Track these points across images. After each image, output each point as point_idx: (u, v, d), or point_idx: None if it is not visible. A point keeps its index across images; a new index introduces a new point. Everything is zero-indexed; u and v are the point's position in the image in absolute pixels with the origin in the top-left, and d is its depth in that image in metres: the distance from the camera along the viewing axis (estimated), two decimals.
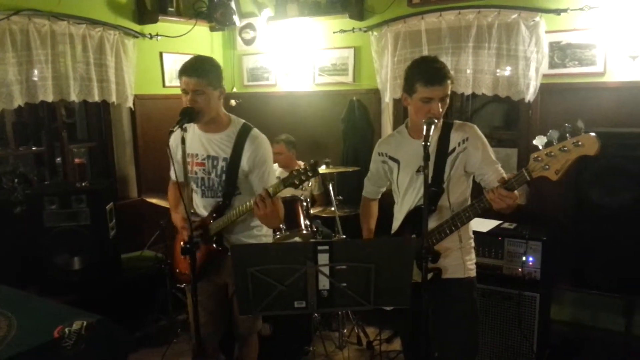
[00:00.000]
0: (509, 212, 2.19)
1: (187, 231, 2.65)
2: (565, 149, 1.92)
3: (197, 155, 2.59)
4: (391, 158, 2.51)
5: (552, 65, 3.73)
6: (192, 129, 2.60)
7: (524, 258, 3.26)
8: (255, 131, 2.60)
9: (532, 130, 3.89)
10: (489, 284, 3.29)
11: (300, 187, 2.40)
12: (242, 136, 2.55)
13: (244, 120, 2.64)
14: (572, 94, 3.70)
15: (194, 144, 2.58)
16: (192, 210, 2.87)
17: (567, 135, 1.92)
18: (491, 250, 3.35)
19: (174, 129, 2.31)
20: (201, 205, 2.68)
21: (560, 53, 3.69)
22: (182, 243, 2.64)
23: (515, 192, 2.09)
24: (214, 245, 2.59)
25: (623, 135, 3.17)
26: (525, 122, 3.99)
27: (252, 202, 2.39)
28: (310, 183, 4.37)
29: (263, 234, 2.72)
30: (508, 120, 4.62)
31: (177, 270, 2.83)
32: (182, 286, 2.86)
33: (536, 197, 3.77)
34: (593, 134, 1.89)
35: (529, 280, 3.25)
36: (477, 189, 2.41)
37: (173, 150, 2.68)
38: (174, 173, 2.76)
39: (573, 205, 3.28)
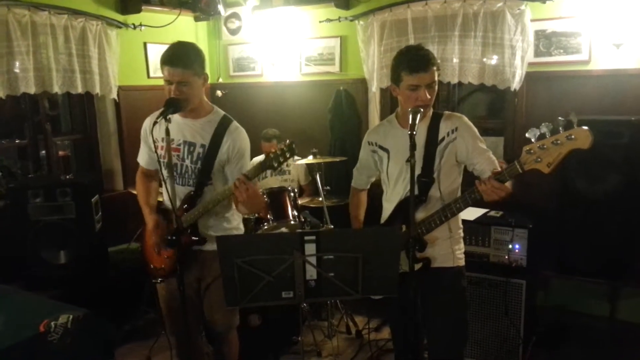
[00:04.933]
0: (501, 203, 2.18)
1: (161, 225, 2.59)
2: (558, 142, 1.90)
3: (172, 140, 2.44)
4: (381, 147, 2.50)
5: (537, 53, 3.74)
6: None
7: (510, 245, 3.28)
8: (236, 123, 2.55)
9: (518, 119, 3.92)
10: (476, 271, 3.30)
11: (283, 170, 2.33)
12: (223, 125, 2.50)
13: (224, 112, 2.59)
14: (558, 82, 3.73)
15: (169, 127, 2.38)
16: (161, 200, 2.78)
17: (560, 128, 1.90)
18: (478, 238, 3.37)
19: (158, 120, 2.28)
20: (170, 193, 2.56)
21: (546, 41, 3.70)
22: (168, 236, 2.59)
23: (507, 183, 2.08)
24: (193, 238, 2.48)
25: (607, 123, 3.18)
26: (511, 110, 4.01)
27: (230, 187, 2.30)
28: (297, 172, 4.35)
29: (234, 226, 2.64)
30: (494, 108, 4.63)
31: (152, 266, 2.70)
32: (159, 281, 2.69)
33: (521, 185, 3.77)
34: (586, 127, 1.87)
35: (516, 267, 3.27)
36: (468, 179, 2.41)
37: (146, 134, 2.58)
38: (145, 159, 2.69)
39: (558, 192, 3.31)
